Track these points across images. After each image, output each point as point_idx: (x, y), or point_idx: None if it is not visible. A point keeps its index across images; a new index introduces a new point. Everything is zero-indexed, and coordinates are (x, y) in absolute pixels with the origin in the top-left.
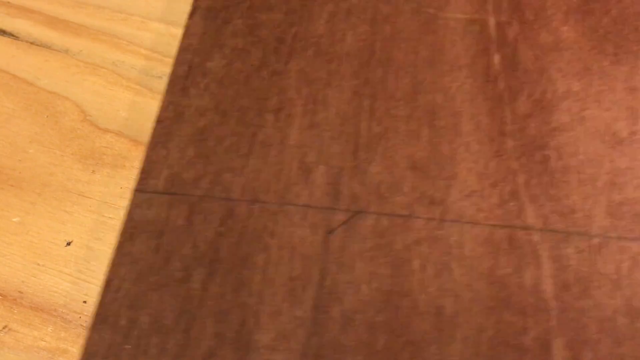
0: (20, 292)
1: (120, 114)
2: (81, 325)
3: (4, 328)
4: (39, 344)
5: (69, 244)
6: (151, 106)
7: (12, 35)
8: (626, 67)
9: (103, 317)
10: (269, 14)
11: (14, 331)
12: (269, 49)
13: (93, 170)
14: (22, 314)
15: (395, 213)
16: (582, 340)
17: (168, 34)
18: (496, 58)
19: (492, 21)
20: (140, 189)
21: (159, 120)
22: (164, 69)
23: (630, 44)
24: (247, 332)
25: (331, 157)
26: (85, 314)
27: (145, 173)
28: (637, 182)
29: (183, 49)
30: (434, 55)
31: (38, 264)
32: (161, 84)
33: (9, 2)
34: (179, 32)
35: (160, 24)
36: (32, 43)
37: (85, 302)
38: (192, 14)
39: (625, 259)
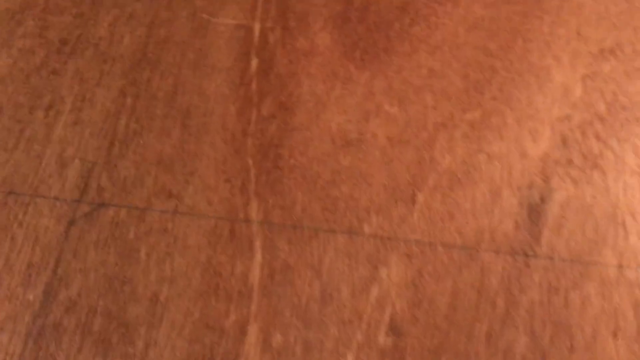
0: None
1: None
2: None
3: None
4: None
5: None
6: None
7: None
8: (369, 72)
9: None
10: (59, 17)
11: None
12: (53, 49)
13: None
14: None
15: (134, 205)
16: (275, 324)
17: None
18: (254, 62)
19: (257, 27)
20: None
21: None
22: None
23: (377, 50)
24: None
25: (87, 153)
26: None
27: None
28: (355, 180)
29: None
30: (199, 59)
31: None
32: None
33: None
34: None
35: None
36: None
37: None
38: None
39: (330, 249)
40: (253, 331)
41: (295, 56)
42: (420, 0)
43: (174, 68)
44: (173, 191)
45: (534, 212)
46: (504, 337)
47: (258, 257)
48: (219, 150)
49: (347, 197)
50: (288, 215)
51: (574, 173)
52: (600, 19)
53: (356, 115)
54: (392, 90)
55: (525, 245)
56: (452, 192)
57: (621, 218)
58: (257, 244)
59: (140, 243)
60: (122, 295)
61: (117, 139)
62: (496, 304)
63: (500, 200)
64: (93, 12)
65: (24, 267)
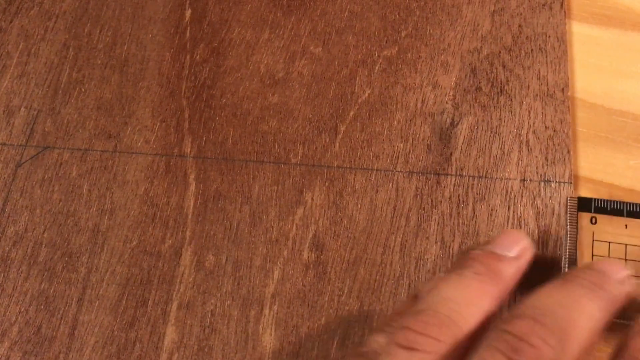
0: None
1: None
2: None
3: None
4: None
5: None
6: None
7: None
8: (295, 17)
9: None
10: None
11: None
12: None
13: None
14: None
15: (76, 147)
16: (208, 247)
17: None
18: (188, 12)
19: None
20: None
21: None
22: None
23: None
24: None
25: (33, 101)
26: None
27: None
28: (282, 115)
29: None
30: (137, 11)
31: None
32: None
33: None
34: None
35: None
36: None
37: None
38: None
39: (259, 178)
40: (187, 254)
41: (227, 5)
42: None
43: (113, 21)
44: (112, 132)
45: (445, 136)
46: (416, 247)
47: (192, 188)
48: (155, 93)
49: (275, 131)
50: (220, 149)
51: (482, 99)
52: None
53: (283, 56)
54: (316, 32)
55: (437, 166)
56: (370, 122)
57: (525, 137)
58: (192, 176)
59: (83, 180)
60: (66, 227)
61: (60, 88)
62: (409, 218)
63: (414, 127)
64: None
65: None
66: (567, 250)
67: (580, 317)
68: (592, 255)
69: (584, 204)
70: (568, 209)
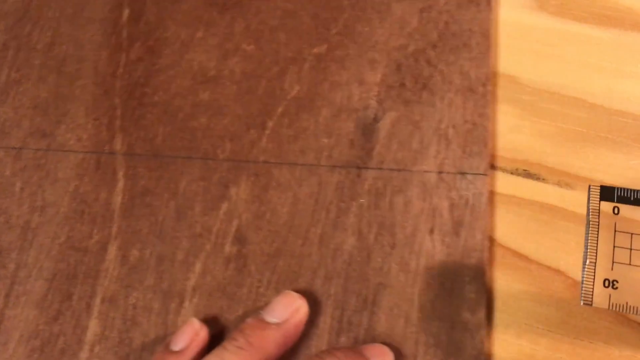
0: None
1: None
2: None
3: None
4: None
5: None
6: None
7: None
8: (230, 16)
9: None
10: None
11: None
12: None
13: None
14: None
15: (11, 146)
16: (133, 242)
17: None
18: (126, 12)
19: None
20: None
21: None
22: None
23: None
24: None
25: None
26: None
27: None
28: (212, 112)
29: None
30: (76, 12)
31: None
32: None
33: None
34: None
35: None
36: None
37: None
38: None
39: (187, 174)
40: (113, 249)
41: (164, 4)
42: None
43: (53, 22)
44: (47, 131)
45: (368, 131)
46: (334, 239)
47: (120, 184)
48: (89, 92)
49: (204, 128)
50: (149, 146)
51: (405, 94)
52: None
53: (216, 54)
54: (250, 30)
55: (358, 160)
56: (297, 117)
57: (444, 131)
58: (120, 173)
59: (16, 179)
60: None
61: None
62: (330, 211)
63: (339, 122)
64: None
65: None
66: (588, 240)
67: None
68: (614, 246)
69: (607, 193)
70: (590, 198)
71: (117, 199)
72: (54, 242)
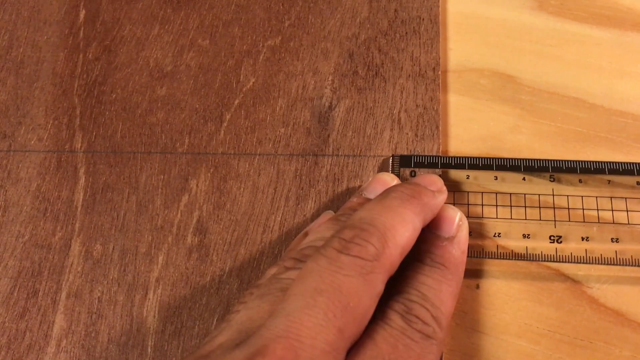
0: None
1: None
2: None
3: None
4: None
5: None
6: None
7: None
8: (184, 12)
9: None
10: None
11: None
12: None
13: None
14: None
15: None
16: (95, 237)
17: None
18: (82, 13)
19: None
20: None
21: None
22: None
23: None
24: None
25: None
26: None
27: None
28: (170, 107)
29: None
30: (32, 14)
31: None
32: None
33: None
34: None
35: None
36: None
37: None
38: None
39: (146, 168)
40: (76, 245)
41: (120, 4)
42: None
43: (10, 25)
44: (7, 132)
45: (324, 119)
46: (294, 225)
47: (82, 181)
48: (48, 93)
49: (162, 122)
50: (109, 143)
51: (358, 82)
52: None
53: (172, 50)
54: (204, 26)
55: (315, 147)
56: (254, 109)
57: (397, 116)
58: (82, 170)
59: None
60: None
61: None
62: (289, 198)
63: (295, 112)
64: None
65: None
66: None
67: (397, 223)
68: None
69: (405, 161)
70: (391, 167)
71: (79, 196)
72: (18, 241)
